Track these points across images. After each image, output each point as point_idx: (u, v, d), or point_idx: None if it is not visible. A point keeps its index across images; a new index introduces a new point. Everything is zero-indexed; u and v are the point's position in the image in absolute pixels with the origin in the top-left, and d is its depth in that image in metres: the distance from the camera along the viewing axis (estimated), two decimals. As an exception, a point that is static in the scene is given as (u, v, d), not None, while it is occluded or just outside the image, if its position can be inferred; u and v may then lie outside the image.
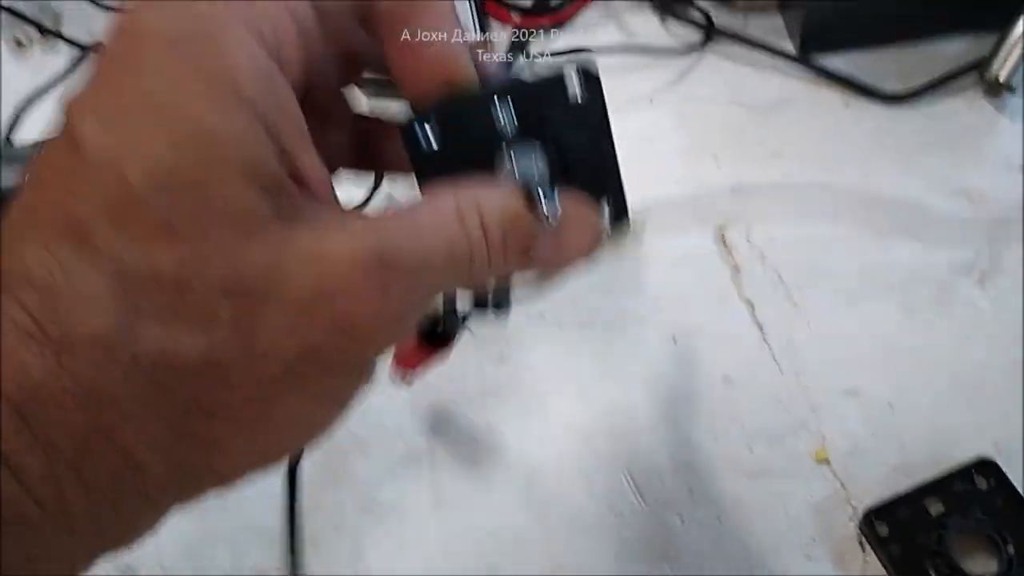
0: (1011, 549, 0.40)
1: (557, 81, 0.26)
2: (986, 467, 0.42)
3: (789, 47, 0.59)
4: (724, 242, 0.52)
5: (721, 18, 0.61)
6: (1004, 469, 0.42)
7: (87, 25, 0.69)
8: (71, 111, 0.22)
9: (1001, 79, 0.54)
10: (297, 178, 0.23)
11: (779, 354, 0.48)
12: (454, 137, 0.26)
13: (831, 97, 0.57)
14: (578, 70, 0.26)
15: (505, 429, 0.47)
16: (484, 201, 0.25)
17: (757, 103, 0.57)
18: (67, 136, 0.22)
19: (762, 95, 0.58)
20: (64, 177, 0.21)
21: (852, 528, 0.42)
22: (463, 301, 0.38)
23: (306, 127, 0.24)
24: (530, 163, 0.27)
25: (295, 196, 0.23)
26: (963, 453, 0.43)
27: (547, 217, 0.26)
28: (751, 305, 0.50)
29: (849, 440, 0.45)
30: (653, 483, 0.44)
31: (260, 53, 0.22)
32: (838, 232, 0.52)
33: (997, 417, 0.44)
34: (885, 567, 0.41)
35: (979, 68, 0.55)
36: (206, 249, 0.21)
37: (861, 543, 0.42)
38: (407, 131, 0.26)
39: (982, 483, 0.42)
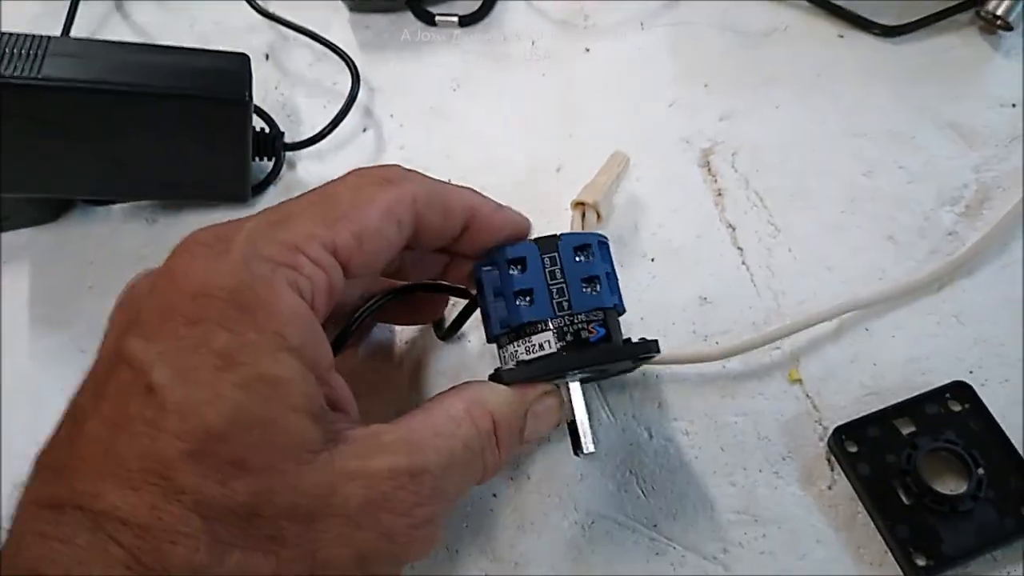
0: (981, 471, 0.39)
1: (623, 358, 0.36)
2: (960, 390, 0.42)
3: None
4: (709, 167, 0.51)
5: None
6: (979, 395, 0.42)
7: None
8: (139, 359, 0.26)
9: (998, 15, 0.53)
10: (331, 401, 0.29)
11: (758, 277, 0.47)
12: (532, 373, 0.35)
13: (826, 27, 0.56)
14: (639, 358, 0.37)
15: (473, 336, 0.46)
16: (491, 400, 0.33)
17: (751, 30, 0.56)
18: (141, 383, 0.25)
19: (756, 23, 0.57)
20: (143, 423, 0.25)
21: (821, 447, 0.42)
22: None
23: (331, 356, 0.30)
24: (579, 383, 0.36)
25: (335, 419, 0.28)
26: (939, 380, 0.42)
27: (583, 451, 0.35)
28: (732, 229, 0.49)
29: (824, 363, 0.44)
30: (622, 396, 0.44)
31: (301, 306, 0.28)
32: (824, 160, 0.51)
33: (975, 345, 0.44)
34: (853, 485, 0.40)
35: (976, 3, 0.54)
36: (273, 480, 0.25)
37: (830, 461, 0.41)
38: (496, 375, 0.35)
39: (955, 406, 0.42)
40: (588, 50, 0.57)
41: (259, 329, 0.26)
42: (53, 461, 0.27)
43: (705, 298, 0.47)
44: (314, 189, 0.32)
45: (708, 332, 0.45)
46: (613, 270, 0.37)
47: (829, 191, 0.50)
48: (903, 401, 0.42)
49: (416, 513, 0.28)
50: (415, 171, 0.34)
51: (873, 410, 0.41)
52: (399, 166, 0.34)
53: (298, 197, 0.31)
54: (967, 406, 0.41)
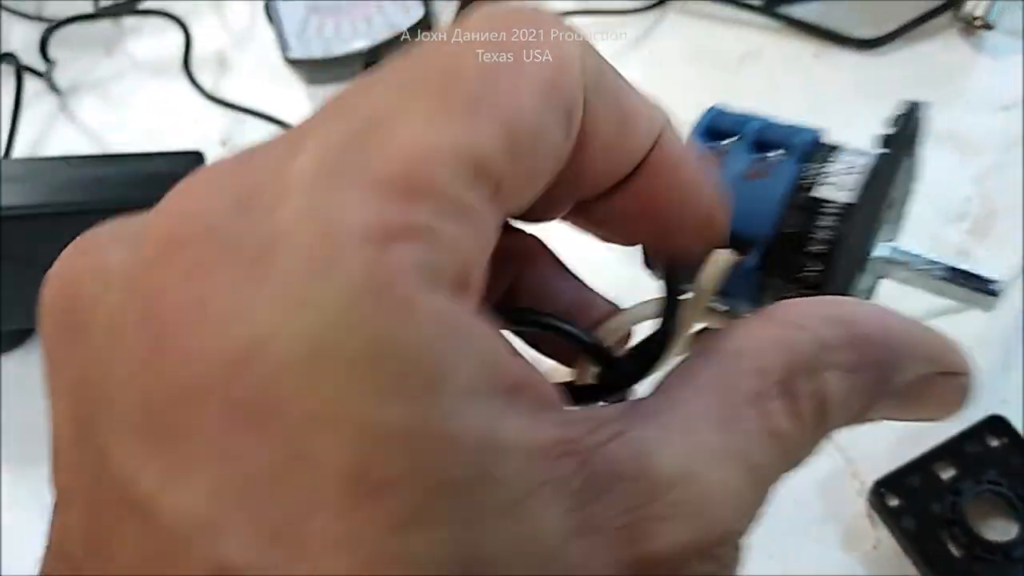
0: (1031, 511, 0.37)
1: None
2: (997, 424, 0.40)
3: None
4: (700, 208, 0.49)
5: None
6: (1015, 425, 0.39)
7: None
8: (164, 506, 0.13)
9: (977, 15, 0.51)
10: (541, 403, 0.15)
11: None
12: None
13: (801, 47, 0.54)
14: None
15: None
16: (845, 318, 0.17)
17: (724, 59, 0.54)
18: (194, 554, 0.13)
19: (729, 50, 0.54)
20: None
21: (861, 503, 0.39)
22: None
23: (512, 357, 0.15)
24: None
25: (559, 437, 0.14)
26: (972, 413, 0.40)
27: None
28: (733, 273, 0.47)
29: (849, 409, 0.42)
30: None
31: (450, 317, 0.13)
32: (819, 189, 0.49)
33: (1004, 372, 0.42)
34: (899, 541, 0.38)
35: (953, 6, 0.52)
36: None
37: (871, 518, 0.39)
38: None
39: (994, 441, 0.39)
40: (558, 97, 0.55)
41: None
42: None
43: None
44: (401, 59, 0.16)
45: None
46: None
47: (828, 221, 0.47)
48: (940, 444, 0.39)
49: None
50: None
51: (910, 457, 0.39)
52: (548, 11, 0.17)
53: (380, 73, 0.16)
54: (1005, 440, 0.39)
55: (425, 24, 0.54)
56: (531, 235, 0.22)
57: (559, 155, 0.17)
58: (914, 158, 0.23)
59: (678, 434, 0.15)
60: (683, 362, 0.17)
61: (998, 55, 0.51)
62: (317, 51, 0.54)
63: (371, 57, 0.55)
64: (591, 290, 0.22)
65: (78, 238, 0.16)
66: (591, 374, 0.20)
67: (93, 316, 0.14)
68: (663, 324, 0.20)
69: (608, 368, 0.20)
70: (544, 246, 0.22)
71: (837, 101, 0.52)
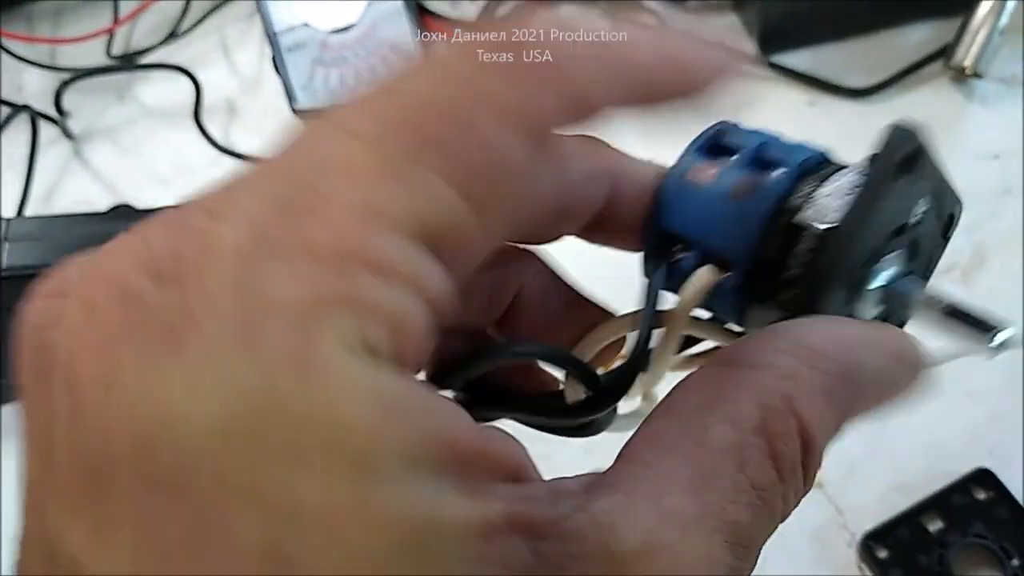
0: (1015, 563, 0.38)
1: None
2: (984, 478, 0.41)
3: (747, 46, 0.56)
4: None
5: (674, 20, 0.58)
6: (1002, 478, 0.40)
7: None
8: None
9: (967, 65, 0.52)
10: (510, 475, 0.15)
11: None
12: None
13: (794, 96, 0.55)
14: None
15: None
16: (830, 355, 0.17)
17: (719, 106, 0.55)
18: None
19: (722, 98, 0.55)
20: None
21: (851, 554, 0.40)
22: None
23: (466, 427, 0.14)
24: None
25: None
26: (960, 464, 0.41)
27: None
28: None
29: (843, 462, 0.43)
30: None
31: (377, 395, 0.13)
32: (813, 237, 0.50)
33: (992, 424, 0.43)
34: (888, 593, 0.39)
35: (944, 55, 0.53)
36: None
37: (861, 568, 0.40)
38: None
39: (981, 494, 0.41)
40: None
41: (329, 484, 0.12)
42: None
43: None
44: (353, 96, 0.15)
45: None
46: None
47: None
48: (928, 497, 0.40)
49: None
50: None
51: (899, 509, 0.40)
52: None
53: (323, 118, 0.14)
54: (992, 494, 0.40)
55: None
56: (526, 249, 0.22)
57: (539, 191, 0.16)
58: (925, 182, 0.21)
59: (645, 501, 0.14)
60: (646, 422, 0.16)
61: (989, 103, 0.53)
62: (323, 102, 0.55)
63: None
64: (584, 298, 0.23)
65: (53, 274, 0.15)
66: (582, 390, 0.21)
67: (54, 370, 0.14)
68: (639, 339, 0.20)
69: (592, 387, 0.20)
70: (537, 256, 0.22)
71: (831, 148, 0.53)
